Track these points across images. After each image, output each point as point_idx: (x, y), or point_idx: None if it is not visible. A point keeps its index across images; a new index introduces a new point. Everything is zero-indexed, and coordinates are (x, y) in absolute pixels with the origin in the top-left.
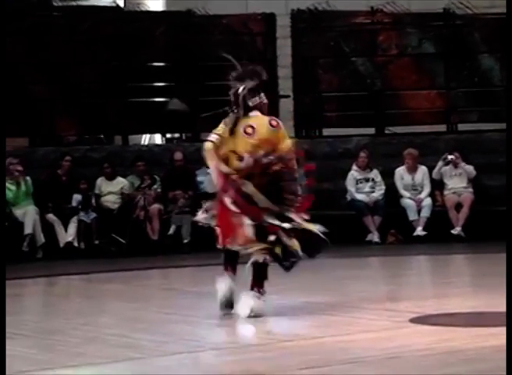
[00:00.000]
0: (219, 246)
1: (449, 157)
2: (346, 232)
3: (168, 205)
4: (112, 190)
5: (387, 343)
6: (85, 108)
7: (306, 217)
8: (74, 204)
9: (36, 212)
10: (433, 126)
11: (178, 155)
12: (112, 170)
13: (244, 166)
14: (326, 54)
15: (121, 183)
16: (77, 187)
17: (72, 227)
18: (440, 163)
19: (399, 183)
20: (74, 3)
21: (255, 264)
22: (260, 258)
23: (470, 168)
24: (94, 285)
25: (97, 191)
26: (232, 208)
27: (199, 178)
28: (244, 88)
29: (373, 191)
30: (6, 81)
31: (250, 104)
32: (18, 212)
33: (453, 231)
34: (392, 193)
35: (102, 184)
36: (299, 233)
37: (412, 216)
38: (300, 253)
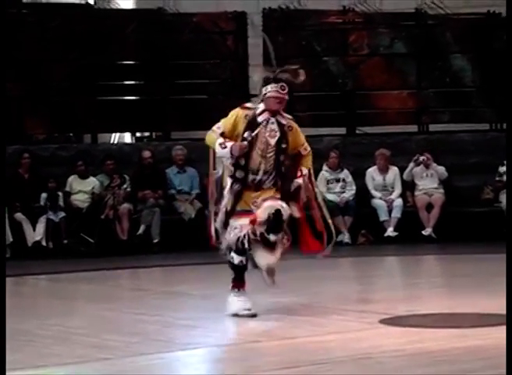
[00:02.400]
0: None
1: (421, 158)
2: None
3: (138, 204)
4: (82, 189)
5: (357, 344)
6: (54, 107)
7: None
8: (42, 203)
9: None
10: (404, 127)
11: (146, 154)
12: (85, 169)
13: None
14: (298, 53)
15: (92, 182)
16: (45, 185)
17: (41, 227)
18: (411, 164)
19: (370, 184)
20: (44, 0)
21: None
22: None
23: (442, 169)
24: (62, 285)
25: (67, 189)
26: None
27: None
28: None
29: (344, 192)
30: None
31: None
32: None
33: (423, 232)
34: (363, 193)
35: (73, 183)
36: None
37: (383, 217)
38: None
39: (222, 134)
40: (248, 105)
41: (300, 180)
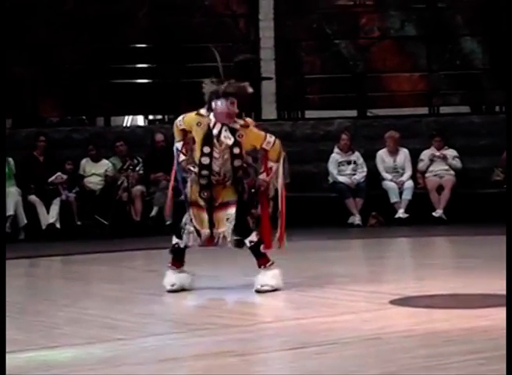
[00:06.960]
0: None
1: (437, 154)
2: (328, 214)
3: (151, 186)
4: (95, 171)
5: (368, 324)
6: (67, 90)
7: None
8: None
9: (18, 194)
10: (415, 109)
11: (159, 137)
12: (97, 152)
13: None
14: (309, 36)
15: (105, 165)
16: (62, 167)
17: (55, 209)
18: (426, 160)
19: (380, 166)
20: None
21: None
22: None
23: (457, 164)
24: (76, 266)
25: (81, 172)
26: None
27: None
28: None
29: (355, 174)
30: None
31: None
32: None
33: (434, 214)
34: (373, 175)
35: (86, 165)
36: None
37: (394, 199)
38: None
39: (183, 130)
40: (202, 111)
41: (262, 177)
